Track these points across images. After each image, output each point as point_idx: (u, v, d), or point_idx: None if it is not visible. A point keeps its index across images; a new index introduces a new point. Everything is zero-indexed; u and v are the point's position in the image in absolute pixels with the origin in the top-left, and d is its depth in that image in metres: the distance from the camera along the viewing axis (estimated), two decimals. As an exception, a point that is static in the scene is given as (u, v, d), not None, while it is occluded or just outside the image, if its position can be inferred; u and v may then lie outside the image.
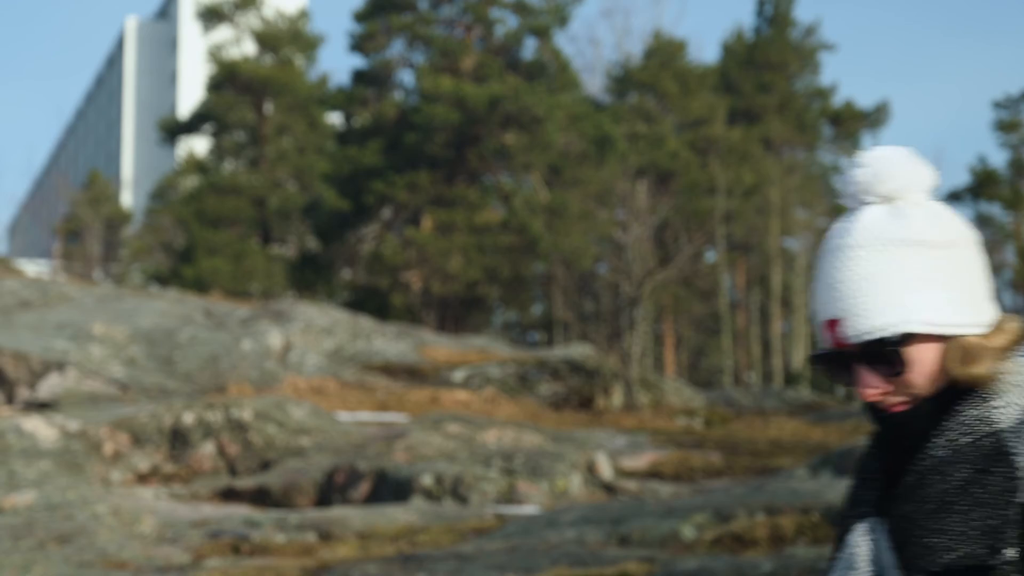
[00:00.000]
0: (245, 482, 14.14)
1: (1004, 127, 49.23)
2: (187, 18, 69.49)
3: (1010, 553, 1.71)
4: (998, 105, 49.57)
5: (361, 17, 42.84)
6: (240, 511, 12.78)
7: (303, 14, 46.55)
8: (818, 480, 12.31)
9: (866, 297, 1.75)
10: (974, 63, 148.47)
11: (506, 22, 42.50)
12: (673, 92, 45.09)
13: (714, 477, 14.62)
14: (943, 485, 1.75)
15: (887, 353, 1.74)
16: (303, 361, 20.81)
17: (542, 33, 42.22)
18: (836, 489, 11.38)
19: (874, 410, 1.82)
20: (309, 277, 42.18)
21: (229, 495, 13.85)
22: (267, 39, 44.87)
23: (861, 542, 1.82)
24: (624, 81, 46.80)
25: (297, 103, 44.22)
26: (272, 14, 45.54)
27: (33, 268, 42.42)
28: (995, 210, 50.06)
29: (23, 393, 17.76)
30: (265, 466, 15.00)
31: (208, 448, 15.17)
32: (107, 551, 10.38)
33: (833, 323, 1.77)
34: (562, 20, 42.49)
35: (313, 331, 22.20)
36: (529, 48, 43.05)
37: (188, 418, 15.30)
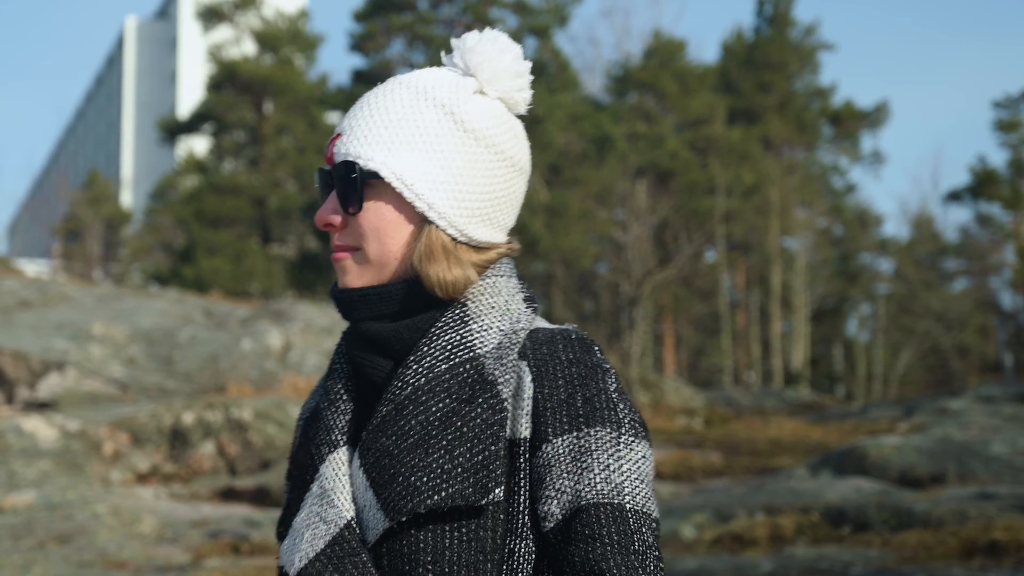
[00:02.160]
0: (245, 482, 14.14)
1: (1004, 127, 49.24)
2: (187, 18, 69.51)
3: (499, 492, 1.58)
4: (998, 105, 49.57)
5: (361, 17, 42.85)
6: (240, 511, 12.78)
7: (303, 14, 46.55)
8: (818, 480, 12.31)
9: (370, 125, 1.67)
10: (974, 63, 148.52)
11: (506, 22, 42.51)
12: (673, 92, 45.08)
13: (714, 477, 14.61)
14: (422, 416, 1.60)
15: (349, 181, 1.65)
16: (303, 361, 20.80)
17: (542, 33, 42.23)
18: (836, 489, 11.38)
19: (335, 290, 1.71)
20: (309, 277, 42.17)
21: (229, 495, 13.85)
22: (267, 39, 44.85)
23: (338, 475, 1.67)
24: (624, 81, 46.79)
25: (297, 103, 44.22)
26: (272, 14, 45.54)
27: (33, 268, 42.44)
28: (995, 210, 50.08)
29: (23, 393, 17.76)
30: (265, 466, 15.00)
31: (208, 448, 15.17)
32: (107, 551, 10.38)
33: (338, 136, 1.70)
34: (562, 20, 42.50)
35: (313, 331, 22.20)
36: (529, 48, 43.03)
37: (188, 418, 15.30)
